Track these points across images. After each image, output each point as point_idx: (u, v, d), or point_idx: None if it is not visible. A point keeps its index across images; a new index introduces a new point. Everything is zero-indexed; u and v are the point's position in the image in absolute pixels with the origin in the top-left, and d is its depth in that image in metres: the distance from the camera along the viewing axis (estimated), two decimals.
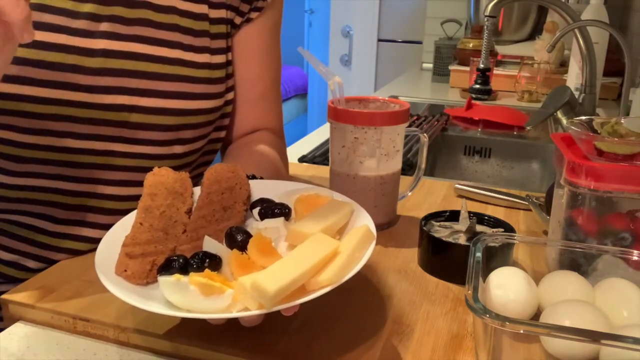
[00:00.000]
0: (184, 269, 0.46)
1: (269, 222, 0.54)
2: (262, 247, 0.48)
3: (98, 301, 0.54)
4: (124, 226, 0.53)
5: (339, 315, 0.53)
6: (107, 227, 0.67)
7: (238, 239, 0.50)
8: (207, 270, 0.46)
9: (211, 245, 0.49)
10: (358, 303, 0.55)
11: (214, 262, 0.47)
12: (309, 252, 0.44)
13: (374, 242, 0.48)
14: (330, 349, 0.48)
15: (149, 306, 0.43)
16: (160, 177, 0.56)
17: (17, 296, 0.55)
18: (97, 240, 0.68)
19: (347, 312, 0.53)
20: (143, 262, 0.47)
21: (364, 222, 0.51)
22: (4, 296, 0.55)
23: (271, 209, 0.55)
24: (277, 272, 0.42)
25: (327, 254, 0.45)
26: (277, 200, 0.57)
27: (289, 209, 0.55)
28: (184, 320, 0.51)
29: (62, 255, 0.68)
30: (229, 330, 0.50)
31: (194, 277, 0.43)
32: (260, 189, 0.59)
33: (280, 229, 0.53)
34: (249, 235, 0.50)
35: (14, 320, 0.54)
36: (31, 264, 0.70)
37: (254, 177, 0.63)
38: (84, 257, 0.63)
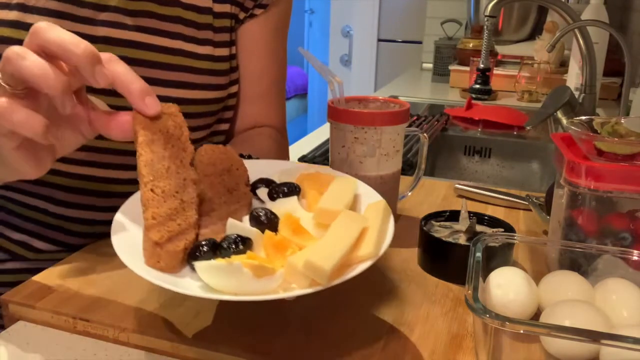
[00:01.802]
0: (214, 254, 0.46)
1: (283, 202, 0.53)
2: (293, 226, 0.49)
3: (98, 301, 0.54)
4: (133, 204, 0.50)
5: (338, 315, 0.53)
6: (107, 209, 0.69)
7: (266, 221, 0.49)
8: (249, 252, 0.46)
9: (236, 227, 0.48)
10: (358, 303, 0.55)
11: (247, 244, 0.47)
12: (344, 229, 0.46)
13: (392, 216, 0.50)
14: (329, 348, 0.48)
15: (219, 295, 0.43)
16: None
17: (17, 296, 0.55)
18: (99, 223, 0.71)
19: (346, 312, 0.53)
20: (176, 252, 0.46)
21: (371, 196, 0.54)
22: (4, 296, 0.55)
23: (280, 189, 0.54)
24: (324, 250, 0.43)
25: (361, 229, 0.46)
26: (276, 180, 0.57)
27: (299, 188, 0.55)
28: (184, 320, 0.51)
29: (70, 238, 0.71)
30: (228, 330, 0.50)
31: (245, 259, 0.43)
32: (254, 169, 0.58)
33: (297, 209, 0.53)
34: (275, 216, 0.50)
35: (14, 320, 0.54)
36: (40, 244, 0.72)
37: (243, 156, 0.62)
38: (84, 258, 0.63)
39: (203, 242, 0.47)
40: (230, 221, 0.49)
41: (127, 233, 0.48)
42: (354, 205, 0.54)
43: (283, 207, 0.52)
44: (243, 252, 0.46)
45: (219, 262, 0.43)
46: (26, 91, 0.45)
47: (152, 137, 0.49)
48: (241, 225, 0.49)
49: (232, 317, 0.52)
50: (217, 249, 0.47)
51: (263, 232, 0.48)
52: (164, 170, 0.48)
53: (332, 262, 0.42)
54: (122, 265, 0.60)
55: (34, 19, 0.63)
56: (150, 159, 0.48)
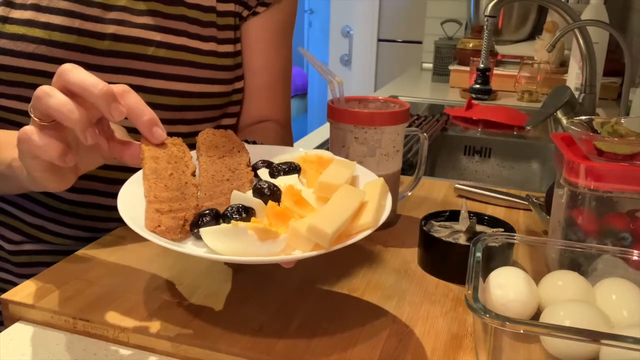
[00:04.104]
0: (217, 223, 0.47)
1: (284, 179, 0.54)
2: (295, 198, 0.50)
3: (98, 301, 0.54)
4: (133, 187, 0.52)
5: (338, 315, 0.53)
6: (115, 195, 0.73)
7: (269, 193, 0.50)
8: (253, 219, 0.47)
9: (240, 198, 0.49)
10: (358, 303, 0.55)
11: (250, 214, 0.47)
12: (344, 201, 0.47)
13: (389, 194, 0.51)
14: (330, 349, 0.48)
15: (223, 257, 0.44)
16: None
17: (17, 296, 0.55)
18: (108, 208, 0.76)
19: (347, 312, 0.53)
20: (175, 218, 0.48)
21: (369, 176, 0.55)
22: (4, 296, 0.55)
23: (281, 168, 0.55)
24: (326, 217, 0.45)
25: (360, 202, 0.48)
26: (276, 162, 0.58)
27: (299, 167, 0.56)
28: (184, 320, 0.51)
29: (83, 221, 0.76)
30: (228, 330, 0.50)
31: (249, 223, 0.44)
32: (255, 153, 0.59)
33: (297, 185, 0.53)
34: (278, 189, 0.51)
35: (14, 320, 0.54)
36: (54, 227, 0.76)
37: (248, 141, 0.64)
38: (84, 257, 0.63)
39: (206, 211, 0.48)
40: (234, 192, 0.50)
41: (133, 207, 0.50)
42: (352, 185, 0.54)
43: (284, 183, 0.53)
44: (246, 220, 0.47)
45: (223, 226, 0.44)
46: (53, 123, 0.49)
47: (157, 154, 0.53)
48: (244, 196, 0.49)
49: (233, 317, 0.52)
50: (219, 218, 0.47)
51: (266, 203, 0.49)
52: (166, 175, 0.52)
53: (334, 226, 0.43)
54: (122, 266, 0.61)
55: (46, 18, 0.68)
56: (155, 167, 0.52)
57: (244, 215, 0.47)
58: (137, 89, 0.72)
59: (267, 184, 0.51)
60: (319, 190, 0.51)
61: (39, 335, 0.52)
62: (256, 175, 0.56)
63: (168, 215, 0.47)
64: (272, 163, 0.57)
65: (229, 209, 0.47)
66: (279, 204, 0.49)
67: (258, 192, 0.50)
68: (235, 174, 0.55)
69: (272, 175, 0.55)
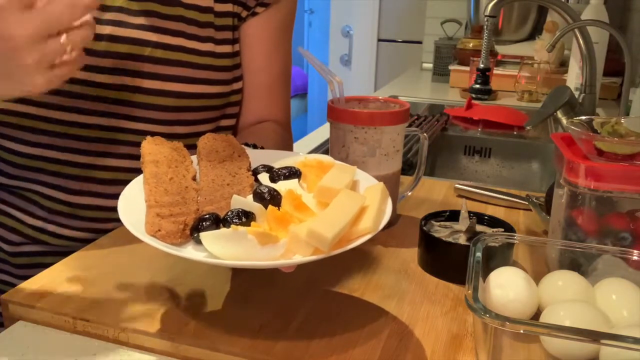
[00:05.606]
0: (217, 227, 0.47)
1: (284, 185, 0.54)
2: (295, 203, 0.50)
3: (98, 301, 0.54)
4: (134, 191, 0.52)
5: (339, 315, 0.53)
6: (113, 196, 0.75)
7: (269, 198, 0.50)
8: (253, 223, 0.47)
9: (240, 202, 0.49)
10: (358, 303, 0.55)
11: (250, 218, 0.47)
12: (344, 205, 0.47)
13: (389, 198, 0.51)
14: (330, 349, 0.48)
15: (223, 261, 0.44)
16: (156, 146, 0.57)
17: (17, 296, 0.55)
18: (106, 209, 0.77)
19: (347, 312, 0.53)
20: (176, 222, 0.48)
21: (370, 181, 0.55)
22: (4, 296, 0.55)
23: (282, 172, 0.56)
24: (326, 221, 0.45)
25: (360, 207, 0.48)
26: (277, 167, 0.58)
27: (300, 171, 0.56)
28: (184, 320, 0.51)
29: (82, 222, 0.76)
30: (228, 330, 0.50)
31: (249, 227, 0.45)
32: (255, 158, 0.60)
33: (297, 189, 0.54)
34: (278, 193, 0.51)
35: (14, 320, 0.54)
36: (53, 228, 0.76)
37: (249, 145, 0.64)
38: (85, 257, 0.63)
39: (206, 216, 0.48)
40: (235, 197, 0.50)
41: (133, 211, 0.50)
42: (353, 189, 0.54)
43: (284, 188, 0.53)
44: (246, 225, 0.47)
45: (223, 230, 0.44)
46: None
47: (157, 158, 0.54)
48: (245, 200, 0.50)
49: (233, 318, 0.52)
50: (220, 222, 0.47)
51: (266, 208, 0.49)
52: (167, 179, 0.52)
53: (334, 230, 0.43)
54: (122, 266, 0.61)
55: None
56: (155, 171, 0.52)
57: (244, 219, 0.47)
58: (134, 89, 0.72)
59: (267, 189, 0.51)
60: (319, 195, 0.51)
61: (39, 335, 0.52)
62: (256, 180, 0.56)
63: (168, 219, 0.47)
64: (272, 167, 0.57)
65: (229, 213, 0.47)
66: (279, 209, 0.49)
67: (258, 196, 0.51)
68: (235, 178, 0.55)
69: (273, 179, 0.55)
